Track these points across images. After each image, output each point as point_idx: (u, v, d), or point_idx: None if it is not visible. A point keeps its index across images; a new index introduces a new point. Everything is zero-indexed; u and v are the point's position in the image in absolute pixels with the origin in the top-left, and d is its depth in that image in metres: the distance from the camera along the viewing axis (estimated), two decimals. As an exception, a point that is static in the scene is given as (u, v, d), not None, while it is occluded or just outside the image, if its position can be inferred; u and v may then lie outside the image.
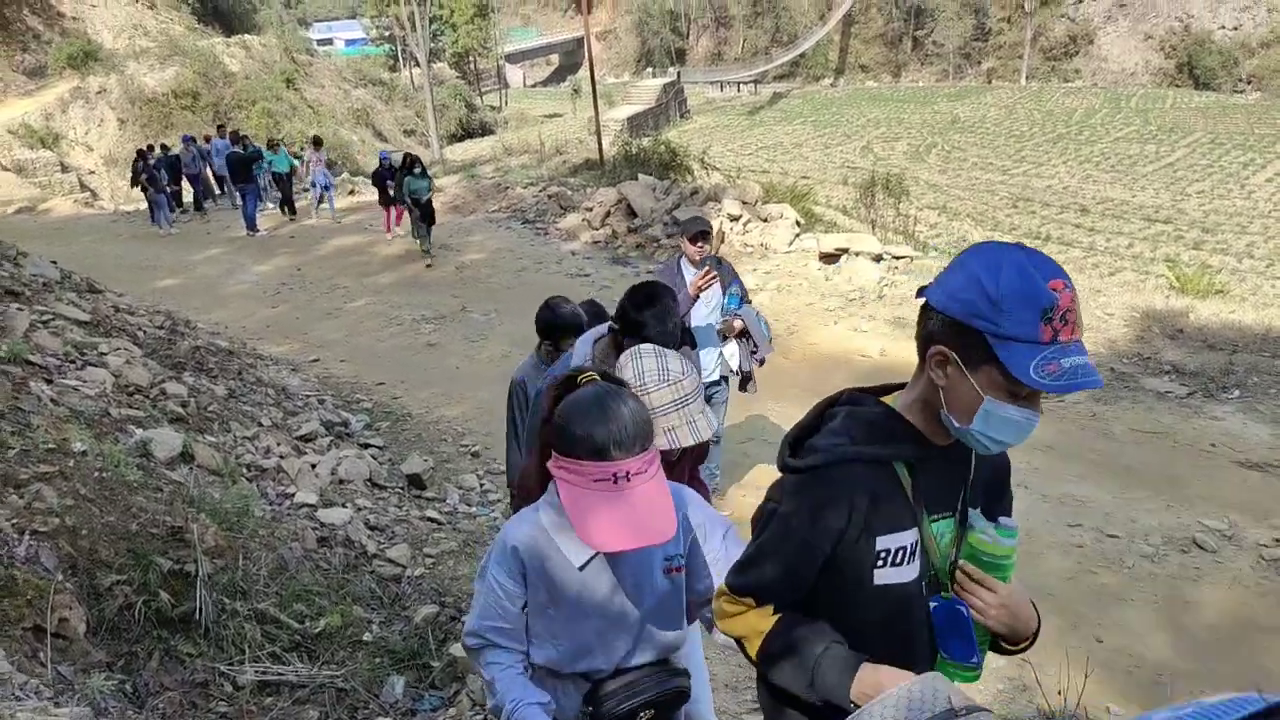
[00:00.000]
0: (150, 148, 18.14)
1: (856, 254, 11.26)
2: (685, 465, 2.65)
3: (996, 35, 65.83)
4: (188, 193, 18.25)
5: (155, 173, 15.90)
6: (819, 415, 1.55)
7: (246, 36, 36.31)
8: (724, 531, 2.03)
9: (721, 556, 1.96)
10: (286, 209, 17.10)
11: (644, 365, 2.05)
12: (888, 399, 1.51)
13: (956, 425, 1.37)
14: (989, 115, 50.88)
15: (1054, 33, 63.97)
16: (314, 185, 16.33)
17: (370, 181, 17.01)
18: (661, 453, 1.79)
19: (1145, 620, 4.54)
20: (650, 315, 2.68)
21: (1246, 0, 57.48)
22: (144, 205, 16.75)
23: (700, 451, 2.81)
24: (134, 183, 16.61)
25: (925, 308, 1.39)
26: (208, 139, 19.22)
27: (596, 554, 1.76)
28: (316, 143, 17.05)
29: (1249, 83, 54.78)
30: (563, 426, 1.63)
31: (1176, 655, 4.27)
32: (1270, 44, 55.13)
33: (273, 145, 17.87)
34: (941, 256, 13.56)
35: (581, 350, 2.95)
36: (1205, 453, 6.45)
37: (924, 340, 1.39)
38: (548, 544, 1.78)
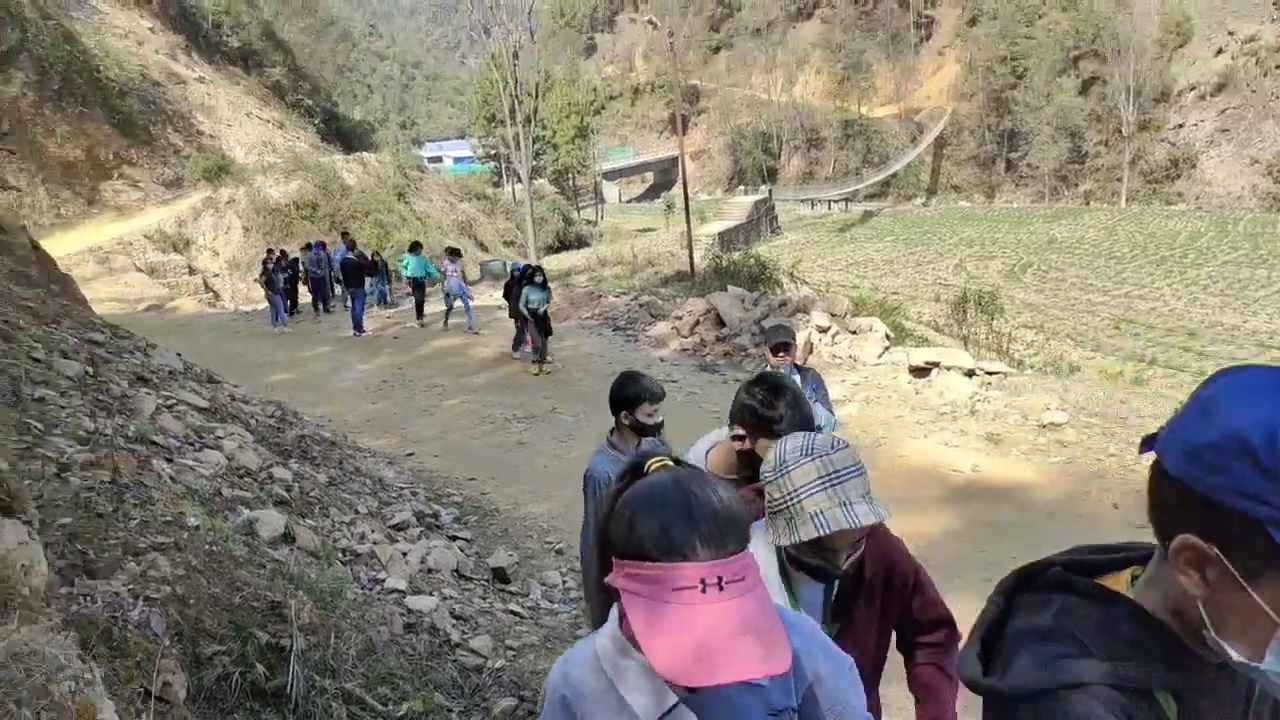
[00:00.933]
0: (270, 251, 19.31)
1: (948, 368, 11.13)
2: None
3: (1094, 158, 65.58)
4: (305, 296, 19.29)
5: (273, 275, 17.00)
6: (1006, 600, 1.08)
7: (364, 154, 38.99)
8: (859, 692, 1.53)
9: None
10: (416, 315, 17.21)
11: (785, 445, 1.77)
12: (1116, 584, 1.02)
13: (1235, 658, 0.90)
14: (1087, 236, 50.20)
15: (1154, 156, 63.35)
16: (448, 296, 16.21)
17: (501, 295, 15.86)
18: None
19: None
20: (785, 405, 2.26)
21: (1359, 124, 56.03)
22: (263, 305, 17.86)
23: None
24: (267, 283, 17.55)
25: (1157, 468, 0.93)
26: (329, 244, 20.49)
27: (675, 706, 1.28)
28: (453, 253, 16.83)
29: (1366, 207, 52.83)
30: (628, 520, 1.20)
31: None
32: (1387, 169, 53.32)
33: (415, 248, 18.05)
34: (1038, 375, 13.25)
35: (695, 457, 2.58)
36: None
37: (1162, 519, 0.93)
38: (606, 693, 1.33)
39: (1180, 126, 63.80)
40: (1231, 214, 54.63)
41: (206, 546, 4.08)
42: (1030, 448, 8.94)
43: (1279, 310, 33.46)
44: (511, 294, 13.31)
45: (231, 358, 13.27)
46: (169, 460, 4.97)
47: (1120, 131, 63.01)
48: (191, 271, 27.40)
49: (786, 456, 1.73)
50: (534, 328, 12.61)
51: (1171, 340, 30.26)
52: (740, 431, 2.35)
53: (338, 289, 19.54)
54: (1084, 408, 10.35)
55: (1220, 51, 63.65)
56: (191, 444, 5.41)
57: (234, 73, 46.00)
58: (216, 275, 28.48)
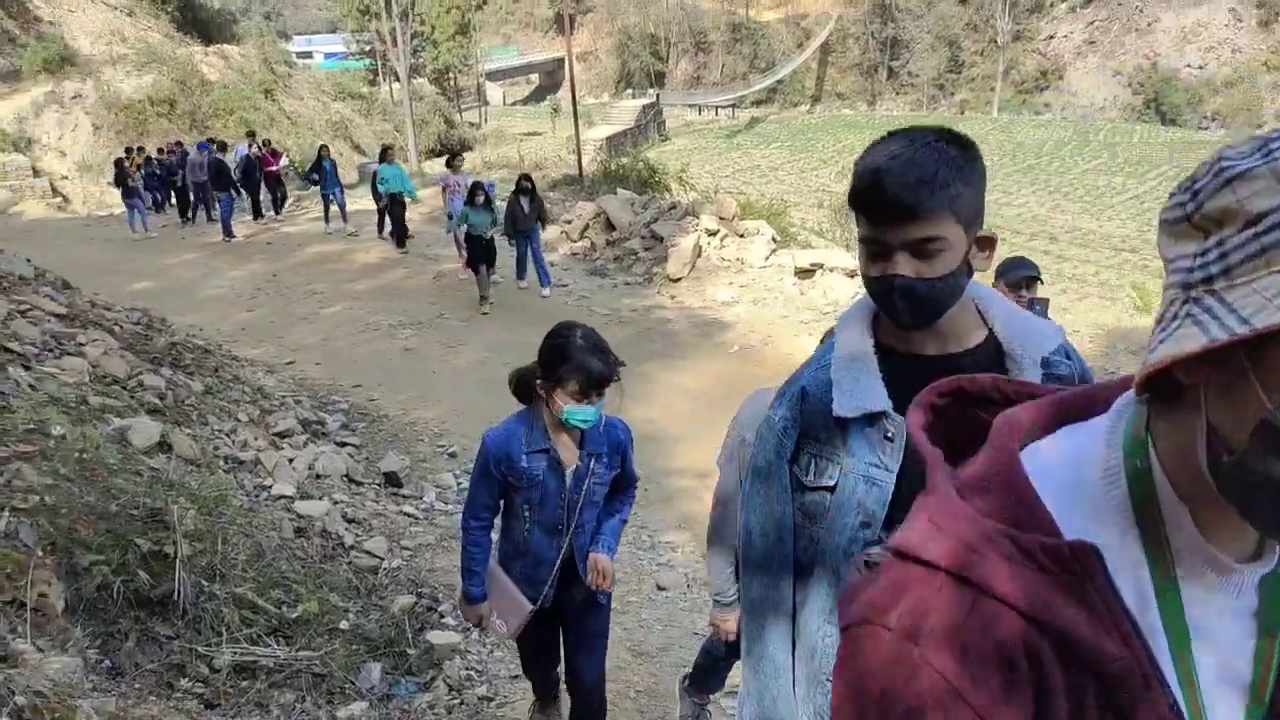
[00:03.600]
0: (129, 150, 17.91)
1: (831, 270, 11.44)
2: None
3: (969, 68, 67.12)
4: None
5: (130, 176, 15.83)
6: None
7: (225, 46, 36.20)
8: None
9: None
10: (395, 240, 14.22)
11: None
12: None
13: None
14: (961, 144, 51.77)
15: (1025, 66, 65.34)
16: (451, 218, 12.33)
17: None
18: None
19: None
20: None
21: (1211, 41, 59.11)
22: (115, 210, 16.65)
23: None
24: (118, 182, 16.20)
25: None
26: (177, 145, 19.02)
27: None
28: (452, 163, 13.51)
29: (1214, 119, 56.24)
30: None
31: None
32: (1234, 83, 56.68)
33: (388, 155, 14.51)
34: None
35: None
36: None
37: None
38: None
39: (1051, 38, 65.84)
40: (1093, 124, 57.23)
41: (76, 455, 3.87)
42: (907, 345, 9.34)
43: (1131, 216, 35.59)
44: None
45: (87, 265, 12.40)
46: (26, 368, 4.65)
47: (995, 41, 64.54)
48: (36, 174, 25.18)
49: None
50: (477, 258, 10.75)
51: (1035, 245, 31.84)
52: None
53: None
54: (956, 307, 10.84)
55: (1091, -37, 65.56)
56: (51, 351, 5.07)
57: (71, -48, 41.57)
58: (65, 178, 26.26)
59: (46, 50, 29.49)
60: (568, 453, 2.66)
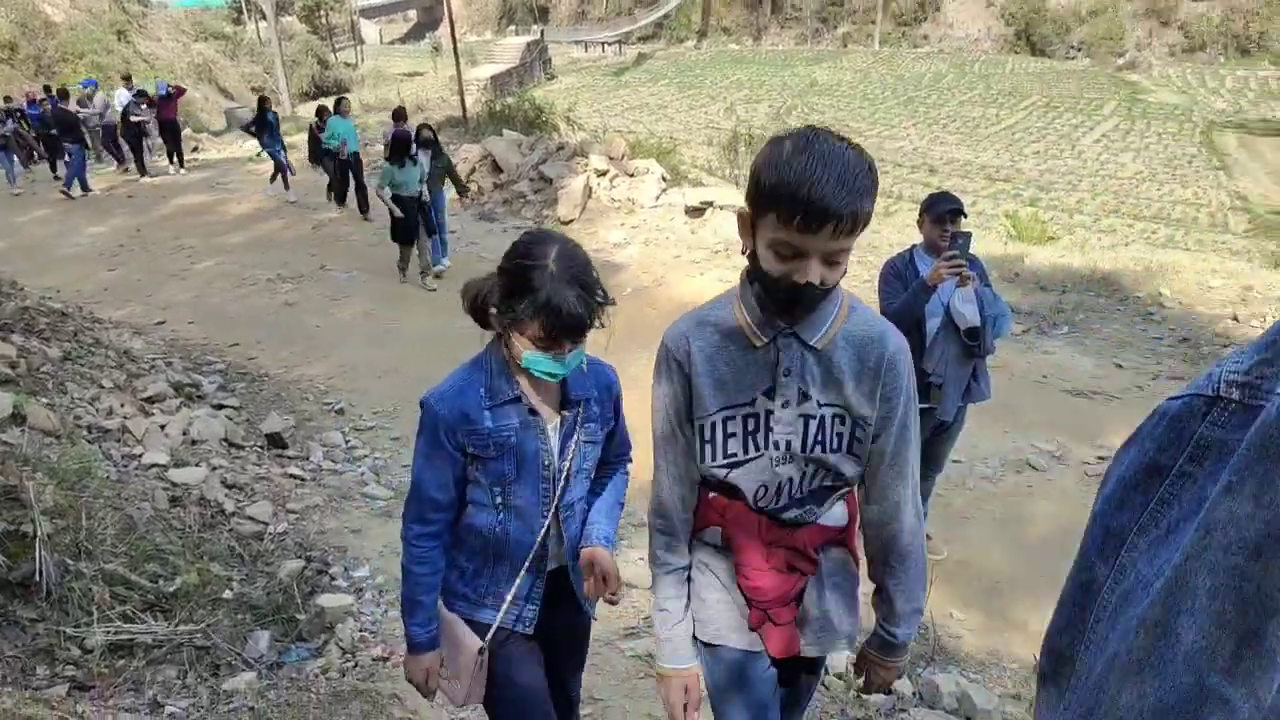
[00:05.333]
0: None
1: (721, 208, 11.47)
2: None
3: (851, 0, 67.76)
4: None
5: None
6: None
7: (69, -18, 33.34)
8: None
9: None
10: (341, 202, 12.77)
11: None
12: None
13: None
14: (844, 79, 52.46)
15: (903, 0, 66.38)
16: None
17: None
18: None
19: (985, 535, 4.91)
20: None
21: (1076, -29, 61.13)
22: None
23: None
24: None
25: None
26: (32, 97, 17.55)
27: None
28: (398, 116, 10.85)
29: (1079, 49, 58.54)
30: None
31: (1011, 565, 4.64)
32: (1098, 13, 58.94)
33: (340, 108, 12.51)
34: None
35: None
36: (1038, 383, 6.97)
37: None
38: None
39: (928, -30, 66.90)
40: (969, 56, 58.79)
41: (-88, 434, 3.56)
42: (795, 279, 9.49)
43: (1005, 147, 36.90)
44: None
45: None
46: None
47: (875, -27, 65.23)
48: None
49: None
50: (408, 223, 9.12)
51: (916, 177, 32.74)
52: None
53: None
54: (842, 240, 11.06)
55: (964, -105, 66.57)
56: (-122, 322, 4.63)
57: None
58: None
59: None
60: (545, 402, 1.94)
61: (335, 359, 7.38)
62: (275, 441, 5.58)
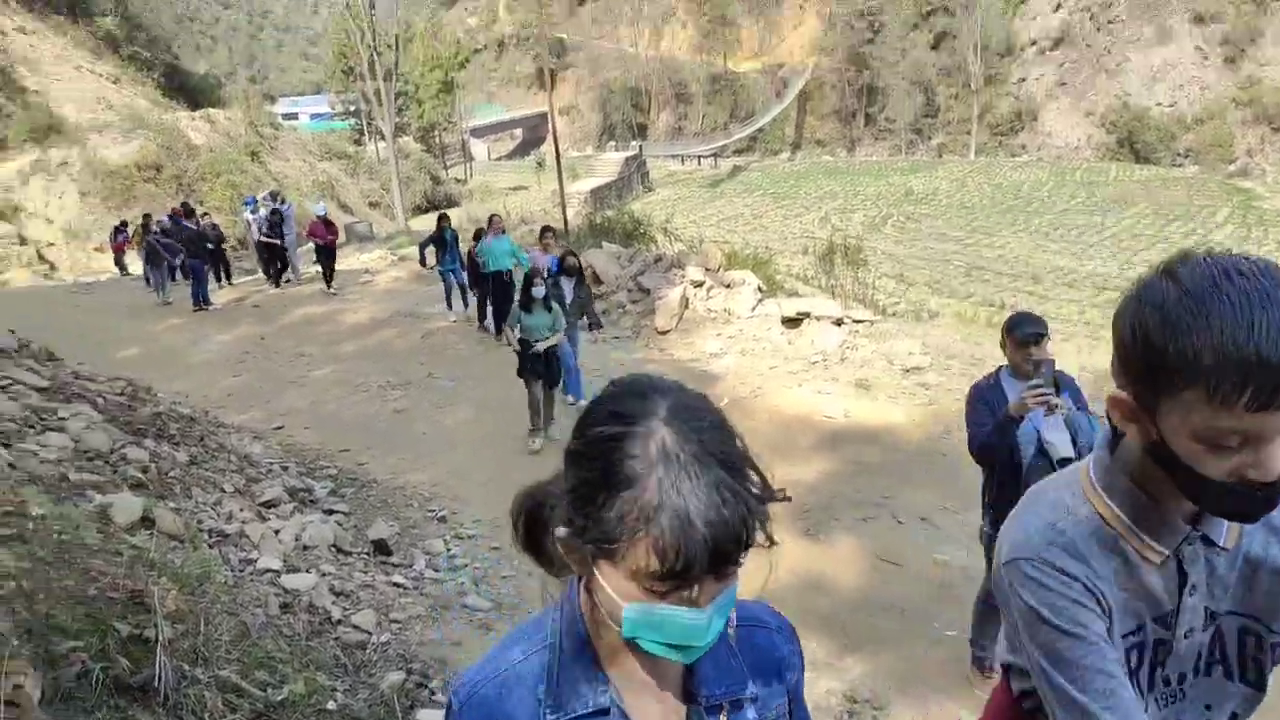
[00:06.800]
0: (148, 216, 18.07)
1: (818, 318, 11.47)
2: None
3: (945, 111, 68.46)
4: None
5: (157, 242, 15.73)
6: None
7: (211, 110, 36.64)
8: None
9: None
10: (482, 320, 12.20)
11: None
12: None
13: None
14: (941, 188, 52.51)
15: (999, 110, 66.65)
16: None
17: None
18: None
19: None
20: None
21: (1180, 79, 60.47)
22: (102, 277, 16.58)
23: None
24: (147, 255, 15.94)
25: None
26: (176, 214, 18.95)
27: None
28: (546, 234, 10.60)
29: (1186, 156, 57.32)
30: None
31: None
32: (1204, 120, 57.87)
33: (497, 226, 11.88)
34: (901, 321, 13.85)
35: None
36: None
37: None
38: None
39: (1023, 80, 67.28)
40: (1069, 164, 58.26)
41: (55, 536, 3.79)
42: (896, 391, 9.34)
43: (1112, 254, 35.99)
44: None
45: (73, 334, 12.34)
46: (6, 445, 4.58)
47: (969, 85, 65.92)
48: (23, 241, 25.22)
49: None
50: (537, 372, 7.88)
51: (1019, 285, 32.15)
52: None
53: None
54: (943, 351, 10.88)
55: (1058, 7, 67.24)
56: (32, 427, 5.00)
57: (59, 22, 42.23)
58: (51, 245, 26.30)
59: (33, 119, 29.73)
60: (654, 701, 1.06)
61: (441, 465, 7.56)
62: (381, 548, 5.70)
